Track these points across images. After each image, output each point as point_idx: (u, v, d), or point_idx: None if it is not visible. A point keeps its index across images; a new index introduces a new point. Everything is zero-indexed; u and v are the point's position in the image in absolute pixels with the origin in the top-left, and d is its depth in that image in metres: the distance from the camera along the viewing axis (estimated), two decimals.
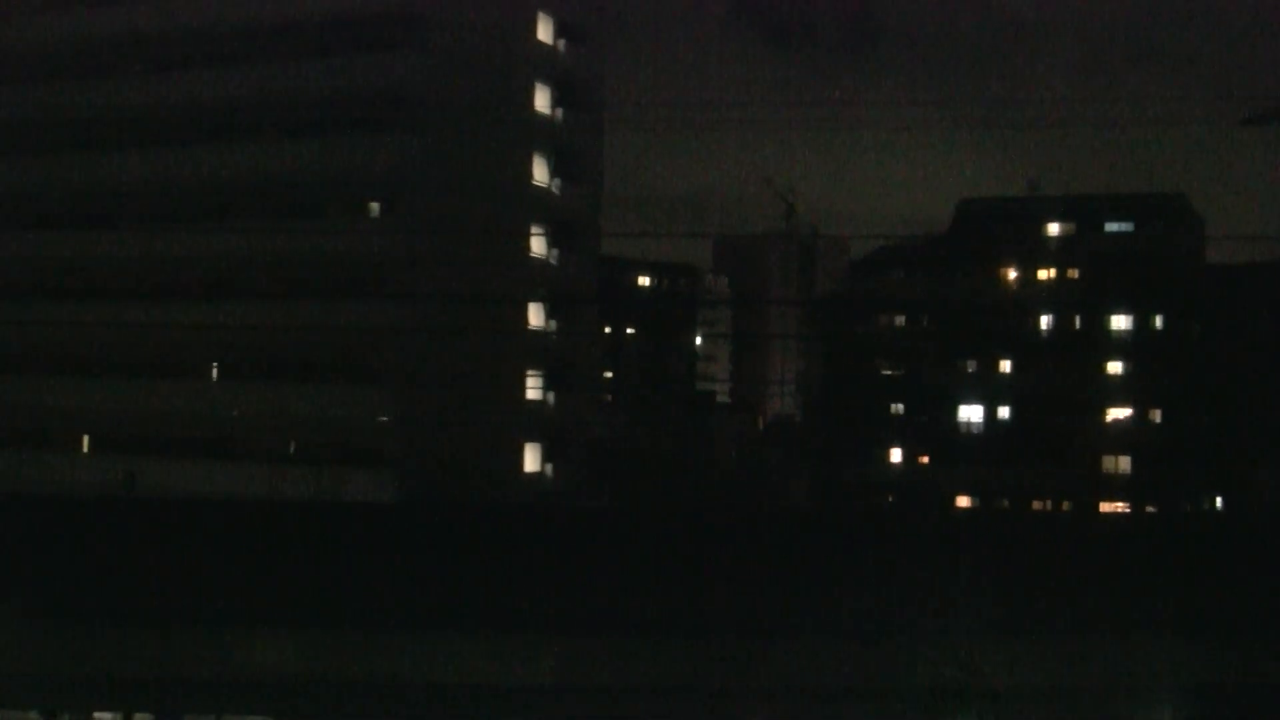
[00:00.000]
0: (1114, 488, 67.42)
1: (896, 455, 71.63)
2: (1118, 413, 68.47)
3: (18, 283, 51.68)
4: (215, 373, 49.83)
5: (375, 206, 47.55)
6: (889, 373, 73.57)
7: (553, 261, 50.96)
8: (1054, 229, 71.87)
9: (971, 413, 70.48)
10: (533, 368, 50.25)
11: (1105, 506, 65.87)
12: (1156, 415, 67.90)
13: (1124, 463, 68.14)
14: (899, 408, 72.70)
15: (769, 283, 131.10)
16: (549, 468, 50.82)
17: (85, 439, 51.74)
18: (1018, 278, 71.43)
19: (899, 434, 71.49)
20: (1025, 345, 70.14)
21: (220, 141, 48.57)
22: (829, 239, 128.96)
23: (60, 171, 50.96)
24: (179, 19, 48.76)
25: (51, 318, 46.82)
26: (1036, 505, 67.47)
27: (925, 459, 71.24)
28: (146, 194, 49.63)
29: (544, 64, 50.78)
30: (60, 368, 50.83)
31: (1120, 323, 69.22)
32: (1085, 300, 69.14)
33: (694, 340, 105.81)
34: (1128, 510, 65.62)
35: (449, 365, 45.57)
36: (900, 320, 74.69)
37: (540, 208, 50.44)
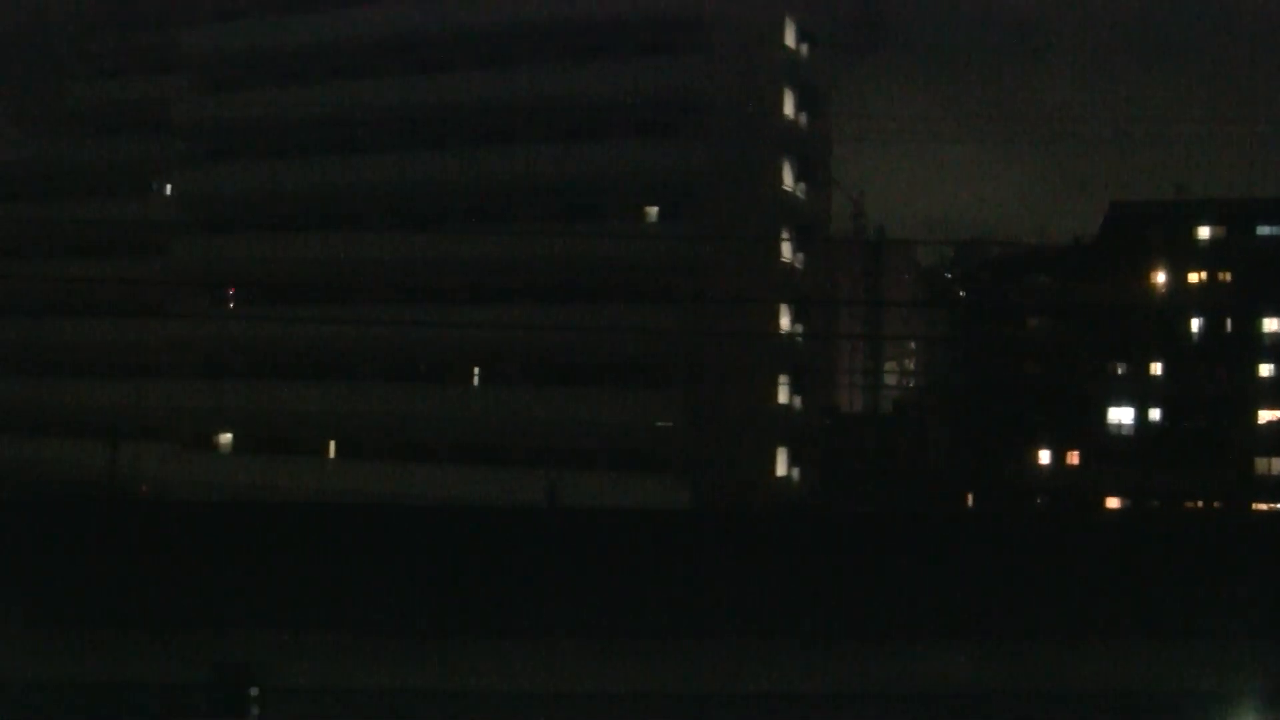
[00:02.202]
0: (1267, 489, 68.28)
1: (1044, 457, 72.12)
2: (1270, 414, 69.27)
3: (282, 285, 50.98)
4: (476, 378, 49.26)
5: (652, 211, 47.20)
6: (1035, 375, 73.92)
7: (799, 265, 50.95)
8: (1204, 232, 72.60)
9: (1122, 415, 71.12)
10: (782, 372, 50.22)
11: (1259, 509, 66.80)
12: None
13: (1277, 465, 69.11)
14: (1040, 410, 73.10)
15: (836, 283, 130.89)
16: (795, 472, 50.79)
17: (332, 445, 51.01)
18: (1168, 281, 72.00)
19: (1048, 436, 71.86)
20: (1177, 348, 70.76)
21: (494, 144, 48.15)
22: (893, 242, 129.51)
23: (336, 173, 50.50)
24: (455, 20, 48.22)
25: (311, 319, 46.27)
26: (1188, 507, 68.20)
27: (1075, 461, 71.72)
28: (420, 196, 49.11)
29: (790, 68, 50.75)
30: (313, 372, 50.17)
31: (1273, 325, 70.11)
32: (1237, 303, 69.84)
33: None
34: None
35: (722, 370, 45.48)
36: (1036, 323, 75.25)
37: (791, 212, 50.43)
